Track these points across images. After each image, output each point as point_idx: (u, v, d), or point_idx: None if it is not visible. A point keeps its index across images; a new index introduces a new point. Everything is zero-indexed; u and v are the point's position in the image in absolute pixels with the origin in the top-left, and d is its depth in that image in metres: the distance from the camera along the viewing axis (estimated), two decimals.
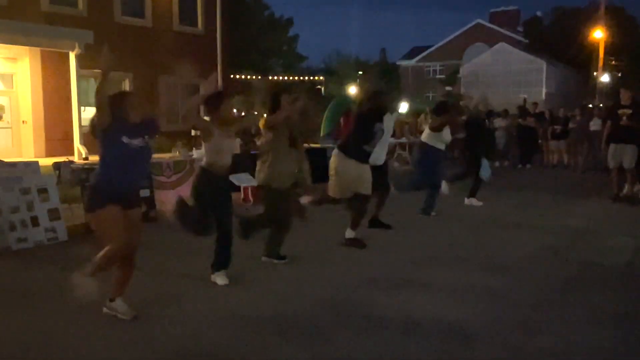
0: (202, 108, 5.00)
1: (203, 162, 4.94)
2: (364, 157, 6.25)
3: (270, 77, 31.35)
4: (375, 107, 6.40)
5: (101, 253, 3.93)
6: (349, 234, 6.36)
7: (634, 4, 72.02)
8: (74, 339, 3.86)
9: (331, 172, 6.33)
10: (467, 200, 9.11)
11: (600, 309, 4.45)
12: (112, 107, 3.91)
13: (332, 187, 6.33)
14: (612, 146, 9.57)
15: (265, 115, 5.65)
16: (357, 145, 6.21)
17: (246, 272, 5.31)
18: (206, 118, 5.01)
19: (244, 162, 9.34)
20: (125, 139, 3.92)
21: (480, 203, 9.02)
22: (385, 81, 42.55)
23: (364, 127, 6.26)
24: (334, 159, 6.33)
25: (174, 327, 4.04)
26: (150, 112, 4.62)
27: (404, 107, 26.30)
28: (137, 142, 3.98)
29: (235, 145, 4.92)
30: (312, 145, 10.94)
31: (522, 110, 16.91)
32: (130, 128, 3.97)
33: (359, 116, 6.50)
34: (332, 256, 5.99)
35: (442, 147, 8.18)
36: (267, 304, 4.51)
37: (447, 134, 8.18)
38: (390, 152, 7.30)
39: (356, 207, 6.32)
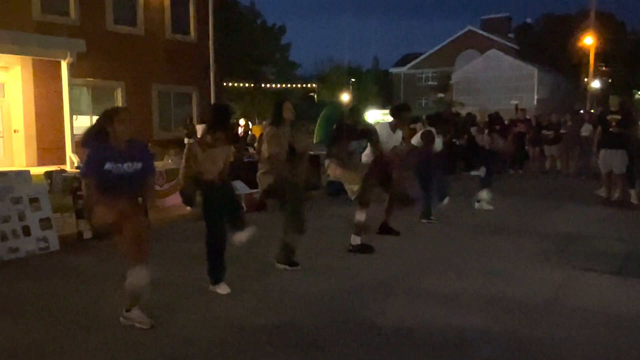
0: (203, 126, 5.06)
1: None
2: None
3: (263, 85, 31.40)
4: (349, 125, 6.43)
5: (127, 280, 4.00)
6: (354, 240, 6.35)
7: (623, 10, 72.64)
8: (66, 348, 3.83)
9: (343, 177, 6.33)
10: (477, 205, 9.20)
11: (593, 313, 4.46)
12: (102, 126, 3.97)
13: (350, 182, 6.27)
14: (602, 152, 9.65)
15: (265, 123, 5.72)
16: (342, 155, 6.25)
17: (241, 279, 5.30)
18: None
19: (238, 170, 9.32)
20: (108, 166, 3.91)
21: (492, 207, 9.11)
22: (377, 88, 42.69)
23: (339, 147, 6.28)
24: (331, 165, 6.32)
25: (167, 335, 4.02)
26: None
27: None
28: (125, 166, 3.97)
29: (221, 165, 4.93)
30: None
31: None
32: (116, 152, 3.95)
33: (333, 136, 6.51)
34: (328, 263, 5.98)
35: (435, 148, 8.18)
36: (261, 311, 4.50)
37: (437, 142, 8.18)
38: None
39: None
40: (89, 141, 4.04)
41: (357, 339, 3.97)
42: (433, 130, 8.21)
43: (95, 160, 3.93)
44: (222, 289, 4.92)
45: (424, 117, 10.15)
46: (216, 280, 4.95)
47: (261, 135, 5.87)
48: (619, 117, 9.33)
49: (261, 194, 5.80)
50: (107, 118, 4.00)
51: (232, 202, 5.02)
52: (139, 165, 4.05)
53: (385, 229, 7.26)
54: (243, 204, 9.15)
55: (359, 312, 4.48)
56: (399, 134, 7.34)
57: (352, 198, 6.32)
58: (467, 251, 6.54)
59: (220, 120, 5.02)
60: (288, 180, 5.50)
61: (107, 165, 3.91)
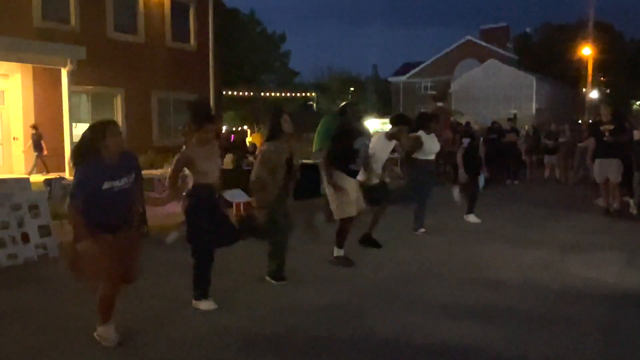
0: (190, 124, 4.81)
1: (189, 186, 4.79)
2: (351, 173, 6.18)
3: (262, 93, 31.47)
4: (349, 123, 6.24)
5: (98, 296, 3.91)
6: (337, 252, 6.30)
7: (622, 20, 72.99)
8: (64, 356, 3.83)
9: (331, 194, 6.15)
10: (466, 217, 9.08)
11: (591, 322, 4.46)
12: (92, 141, 3.76)
13: (341, 207, 6.10)
14: (597, 161, 9.66)
15: (263, 134, 5.61)
16: (342, 164, 6.10)
17: (236, 290, 5.29)
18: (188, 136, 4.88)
19: (237, 178, 9.34)
20: (106, 185, 3.77)
21: (479, 220, 9.00)
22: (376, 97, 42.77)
23: (343, 147, 6.09)
24: (324, 180, 6.18)
25: (168, 341, 4.02)
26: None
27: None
28: (120, 183, 3.83)
29: (219, 162, 4.76)
30: (305, 161, 10.96)
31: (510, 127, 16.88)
32: (111, 170, 3.80)
33: (334, 137, 6.29)
34: (323, 273, 5.96)
35: (428, 157, 8.10)
36: (258, 321, 4.49)
37: (433, 145, 8.10)
38: (382, 168, 7.21)
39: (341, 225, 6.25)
40: (81, 159, 3.80)
41: (355, 345, 3.97)
42: (420, 134, 7.99)
43: (89, 180, 3.75)
44: (206, 305, 4.71)
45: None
46: (200, 295, 4.74)
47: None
48: (611, 126, 9.34)
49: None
50: (98, 133, 3.79)
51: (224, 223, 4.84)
52: (132, 176, 3.94)
53: (367, 240, 7.16)
54: (243, 213, 9.19)
55: (358, 320, 4.47)
56: (393, 143, 7.30)
57: (335, 217, 6.18)
58: (466, 259, 6.54)
59: (204, 115, 4.70)
60: (271, 219, 5.35)
61: (106, 185, 3.77)
